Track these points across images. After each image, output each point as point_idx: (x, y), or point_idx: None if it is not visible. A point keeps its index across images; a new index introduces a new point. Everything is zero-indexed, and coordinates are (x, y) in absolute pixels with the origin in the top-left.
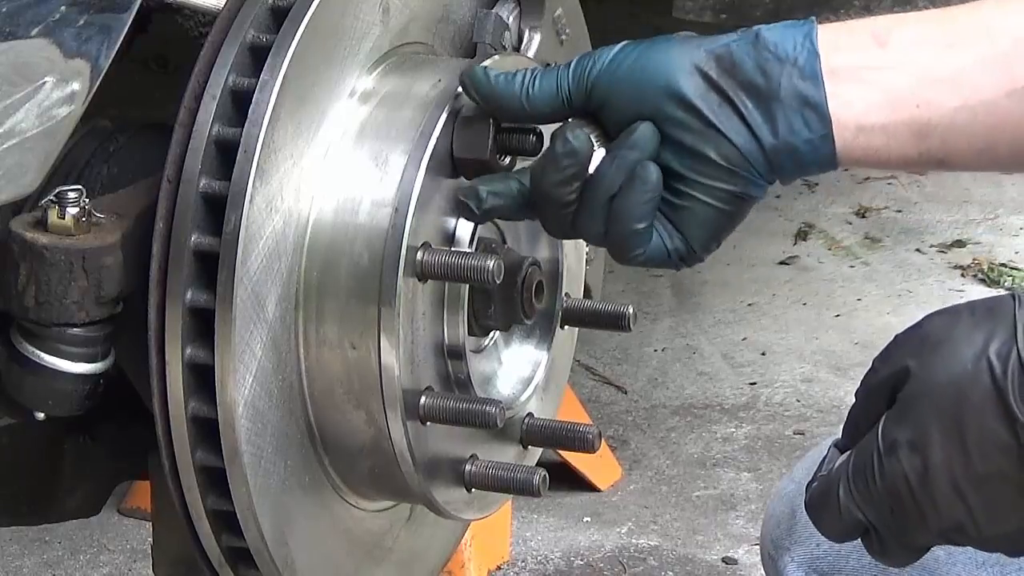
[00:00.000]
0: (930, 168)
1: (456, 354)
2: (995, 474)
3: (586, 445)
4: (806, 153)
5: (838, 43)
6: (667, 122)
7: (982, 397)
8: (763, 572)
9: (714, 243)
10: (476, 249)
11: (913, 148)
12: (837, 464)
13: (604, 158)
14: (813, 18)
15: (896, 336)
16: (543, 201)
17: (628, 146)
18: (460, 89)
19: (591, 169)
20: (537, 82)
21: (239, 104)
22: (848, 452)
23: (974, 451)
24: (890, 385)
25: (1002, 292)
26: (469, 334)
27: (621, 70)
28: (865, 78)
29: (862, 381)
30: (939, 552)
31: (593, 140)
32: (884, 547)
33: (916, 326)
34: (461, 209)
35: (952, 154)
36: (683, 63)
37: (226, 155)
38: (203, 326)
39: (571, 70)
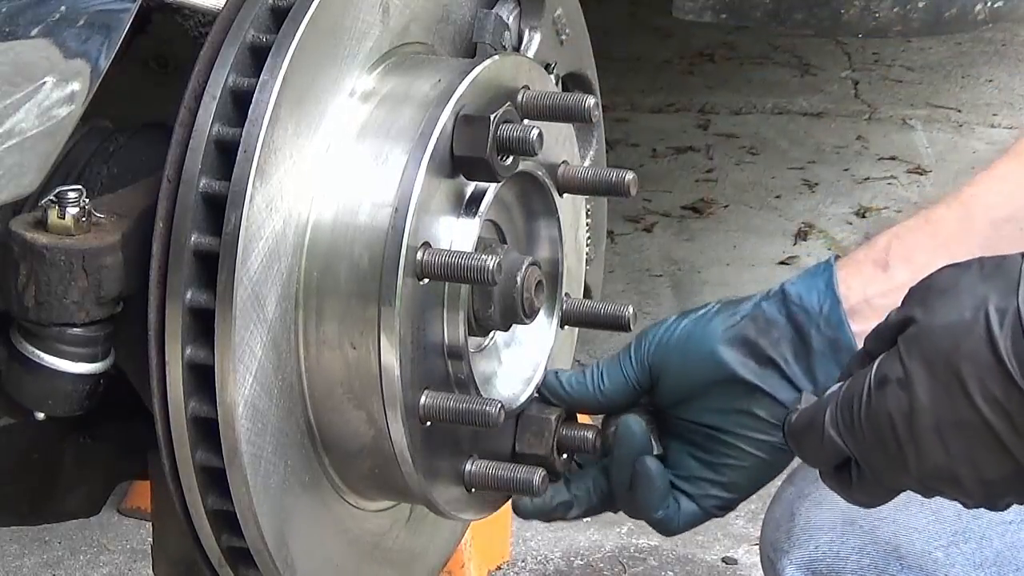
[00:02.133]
0: None
1: (456, 354)
2: (979, 423)
3: (586, 445)
4: None
5: (850, 283)
6: (715, 387)
7: (975, 346)
8: (763, 573)
9: (754, 491)
10: (476, 249)
11: None
12: (828, 393)
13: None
14: (831, 261)
15: (910, 288)
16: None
17: (618, 446)
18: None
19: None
20: (606, 378)
21: (239, 104)
22: (840, 384)
23: (960, 397)
24: (895, 331)
25: None
26: (469, 334)
27: (669, 346)
28: (878, 305)
29: (872, 330)
30: (938, 554)
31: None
32: (861, 482)
33: (928, 277)
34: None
35: None
36: (724, 332)
37: (226, 155)
38: (203, 326)
39: (631, 354)
